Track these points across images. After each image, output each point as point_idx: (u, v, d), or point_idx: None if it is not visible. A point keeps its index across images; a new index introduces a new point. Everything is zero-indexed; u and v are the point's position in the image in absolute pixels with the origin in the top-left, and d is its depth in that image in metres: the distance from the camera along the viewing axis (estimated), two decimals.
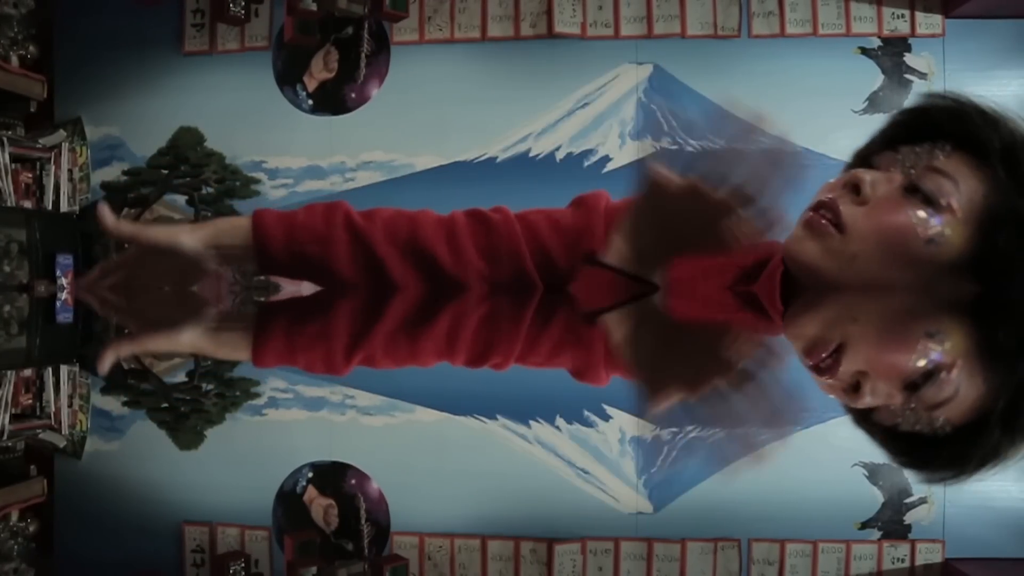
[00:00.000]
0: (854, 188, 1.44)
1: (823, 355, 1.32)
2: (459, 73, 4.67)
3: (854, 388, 1.24)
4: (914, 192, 1.39)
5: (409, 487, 3.74)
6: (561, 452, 3.85)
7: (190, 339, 1.72)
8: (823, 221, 1.44)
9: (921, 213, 1.37)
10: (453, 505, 3.21)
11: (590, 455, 4.40)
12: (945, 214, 1.36)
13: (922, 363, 1.24)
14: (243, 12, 4.78)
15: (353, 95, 4.74)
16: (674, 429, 4.83)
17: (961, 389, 1.21)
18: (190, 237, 1.66)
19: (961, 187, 1.37)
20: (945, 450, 1.20)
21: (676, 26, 4.56)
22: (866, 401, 1.23)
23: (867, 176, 1.43)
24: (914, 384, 1.19)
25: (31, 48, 4.79)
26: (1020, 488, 4.24)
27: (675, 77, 4.54)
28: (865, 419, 1.24)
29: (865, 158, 1.53)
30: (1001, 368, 1.26)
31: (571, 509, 3.57)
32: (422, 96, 4.61)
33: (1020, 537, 4.18)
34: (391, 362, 1.74)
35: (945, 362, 1.24)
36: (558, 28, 4.56)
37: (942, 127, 1.42)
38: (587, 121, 4.46)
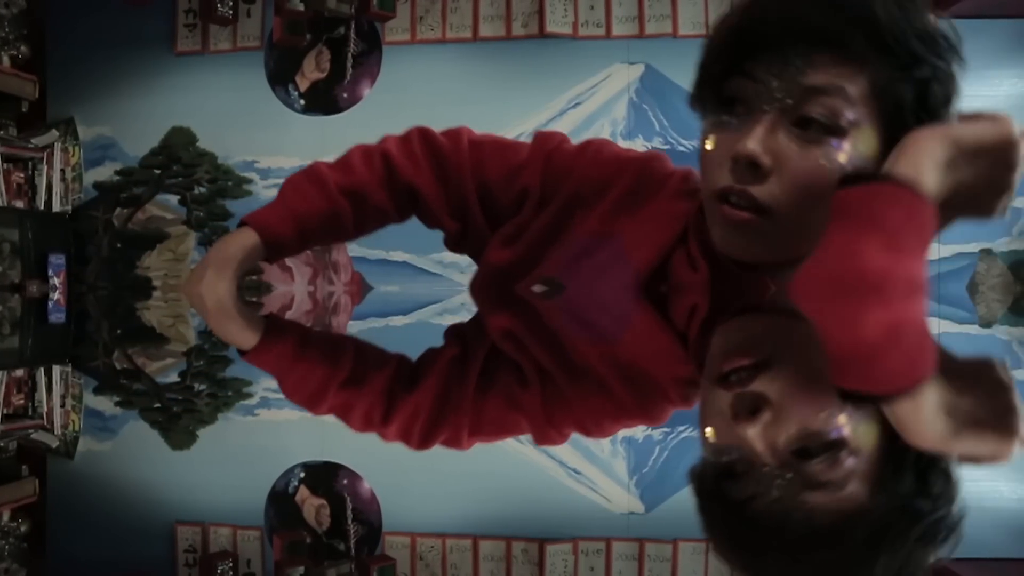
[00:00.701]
0: (748, 163, 1.27)
1: (742, 363, 1.20)
2: (451, 73, 4.68)
3: (750, 412, 1.10)
4: (807, 125, 1.26)
5: (401, 487, 3.73)
6: (552, 452, 3.88)
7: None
8: (743, 214, 1.30)
9: (829, 149, 1.25)
10: (445, 505, 3.20)
11: (581, 455, 4.38)
12: (850, 132, 1.25)
13: (833, 426, 1.11)
14: (231, 12, 4.78)
15: (345, 95, 4.75)
16: (666, 429, 4.82)
17: (848, 483, 1.04)
18: (225, 292, 1.64)
19: (848, 92, 1.24)
20: (787, 548, 1.00)
21: (668, 26, 4.57)
22: (750, 434, 1.04)
23: (754, 145, 1.26)
24: (806, 450, 1.03)
25: (23, 48, 4.79)
26: (1012, 488, 4.23)
27: (667, 77, 4.55)
28: (716, 475, 1.06)
29: (714, 98, 1.34)
30: (889, 484, 1.08)
31: (563, 509, 3.58)
32: (414, 96, 4.61)
33: (1013, 537, 4.18)
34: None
35: (851, 443, 1.09)
36: (550, 28, 4.57)
37: (779, 36, 1.27)
38: (579, 121, 4.47)
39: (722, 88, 1.31)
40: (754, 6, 1.31)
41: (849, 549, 0.99)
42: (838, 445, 1.05)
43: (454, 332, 1.60)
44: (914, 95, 1.25)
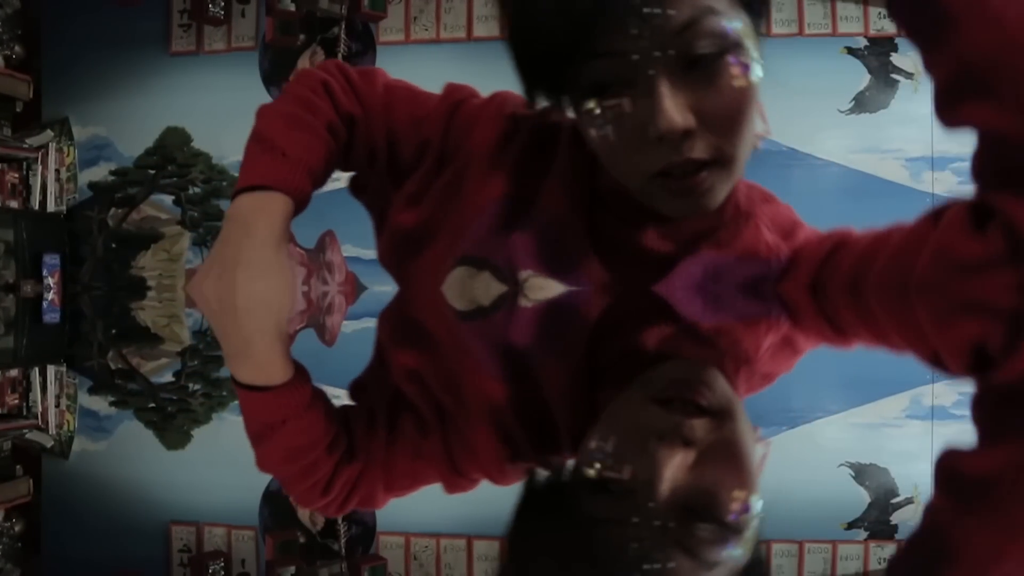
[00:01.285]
0: (678, 135, 1.18)
1: (692, 397, 1.12)
2: (445, 73, 4.65)
3: (681, 442, 0.99)
4: (700, 61, 1.16)
5: None
6: None
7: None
8: (695, 179, 1.21)
9: (732, 67, 1.17)
10: (439, 505, 3.21)
11: None
12: (738, 38, 1.16)
13: (737, 512, 1.00)
14: (222, 13, 4.78)
15: None
16: None
17: (717, 570, 0.93)
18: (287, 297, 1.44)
19: (715, 5, 1.16)
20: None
21: None
22: (667, 462, 0.86)
23: (674, 117, 1.15)
24: (699, 514, 0.92)
25: (17, 48, 4.79)
26: None
27: None
28: (587, 485, 0.94)
29: (578, 91, 1.23)
30: None
31: None
32: None
33: None
34: None
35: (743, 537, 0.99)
36: None
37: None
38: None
39: (580, 78, 1.19)
40: None
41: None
42: (731, 529, 0.97)
43: (356, 387, 1.30)
44: None
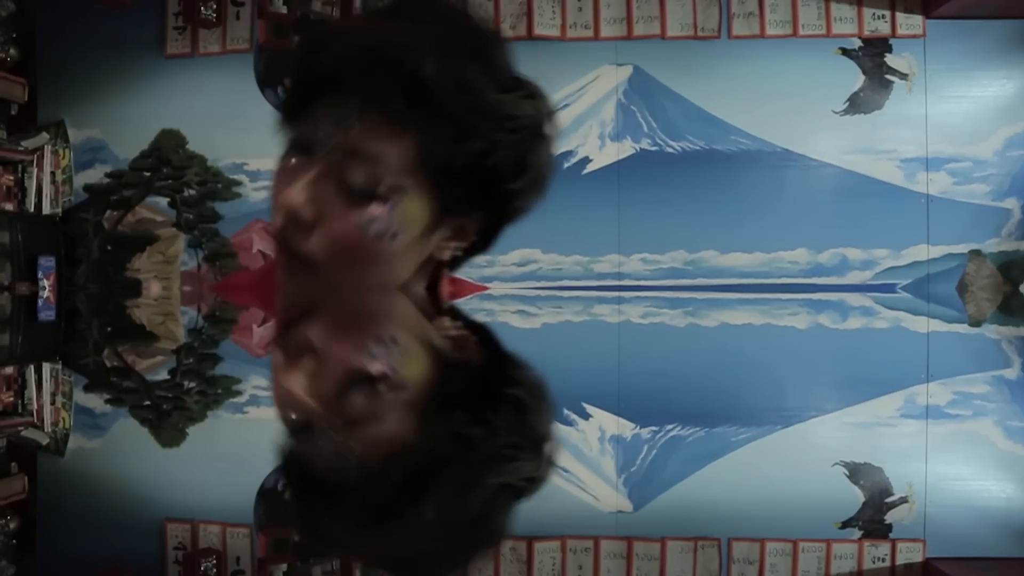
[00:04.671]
0: (293, 214, 1.16)
1: (292, 314, 1.15)
2: None
3: (294, 357, 1.10)
4: (351, 186, 1.13)
5: None
6: None
7: None
8: (288, 261, 1.17)
9: (370, 213, 1.13)
10: None
11: (570, 454, 4.41)
12: (392, 197, 1.12)
13: (372, 364, 1.08)
14: (215, 16, 4.78)
15: None
16: (654, 428, 4.86)
17: (389, 418, 1.06)
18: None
19: (389, 161, 1.12)
20: (337, 501, 1.04)
21: (656, 27, 4.57)
22: (293, 381, 1.07)
23: (297, 198, 1.14)
24: (346, 387, 1.06)
25: (12, 51, 4.78)
26: (1000, 488, 4.26)
27: (655, 78, 4.55)
28: (291, 435, 1.10)
29: (288, 129, 1.25)
30: (435, 417, 1.06)
31: (551, 508, 3.59)
32: None
33: (1000, 536, 4.20)
34: None
35: (391, 380, 1.06)
36: (538, 30, 4.57)
37: (332, 82, 1.14)
38: (567, 122, 4.46)
39: (295, 119, 1.20)
40: (314, 42, 1.20)
41: (393, 486, 0.98)
42: (378, 380, 1.04)
43: None
44: (467, 165, 1.13)
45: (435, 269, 1.26)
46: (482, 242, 1.25)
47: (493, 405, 1.11)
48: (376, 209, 1.12)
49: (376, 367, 1.08)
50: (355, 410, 1.06)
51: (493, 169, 1.13)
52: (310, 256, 1.14)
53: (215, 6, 4.78)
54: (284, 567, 2.69)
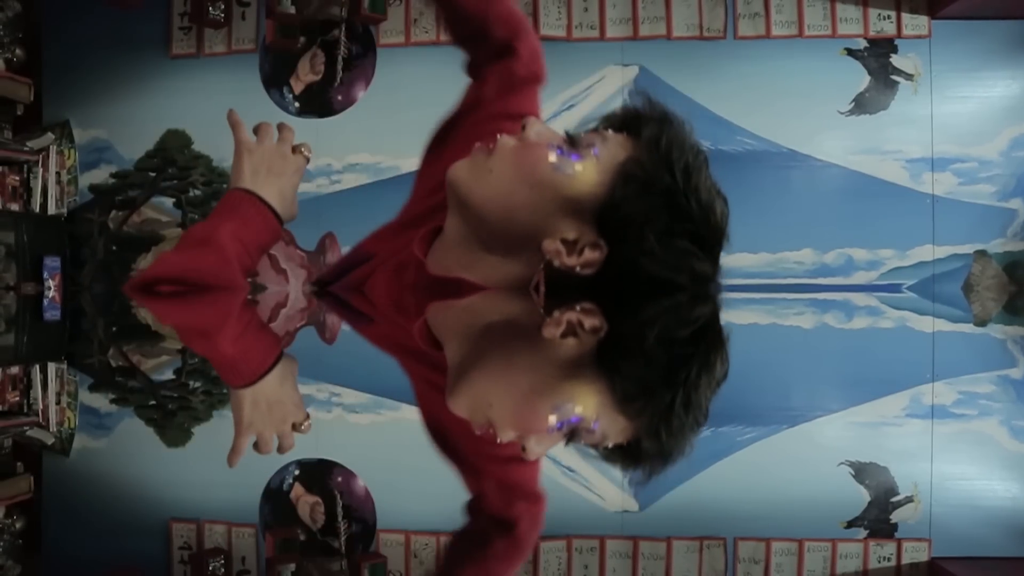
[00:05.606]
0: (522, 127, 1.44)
1: (486, 430, 1.29)
2: (445, 75, 4.66)
3: (523, 448, 1.27)
4: (570, 142, 1.41)
5: (395, 485, 3.75)
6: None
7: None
8: (486, 145, 1.44)
9: (562, 149, 1.39)
10: (439, 503, 3.22)
11: (575, 453, 4.39)
12: (585, 157, 1.37)
13: (563, 432, 1.25)
14: (223, 16, 4.79)
15: (339, 97, 4.75)
16: None
17: (609, 431, 1.25)
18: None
19: (609, 144, 1.38)
20: (634, 453, 1.25)
21: (662, 28, 4.57)
22: (538, 453, 1.27)
23: (535, 121, 1.44)
24: (569, 437, 1.25)
25: (18, 51, 4.79)
26: (1006, 487, 4.26)
27: (661, 79, 4.55)
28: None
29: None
30: (633, 408, 1.25)
31: (556, 507, 3.58)
32: (408, 98, 4.62)
33: (1005, 536, 4.20)
34: None
35: (585, 419, 1.24)
36: (543, 30, 4.57)
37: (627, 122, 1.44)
38: (573, 123, 4.43)
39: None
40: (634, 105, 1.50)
41: (651, 446, 1.25)
42: (579, 429, 1.24)
43: None
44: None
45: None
46: None
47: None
48: (567, 150, 1.40)
49: (566, 429, 1.26)
50: (589, 444, 1.27)
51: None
52: (498, 143, 1.42)
53: (223, 6, 4.79)
54: (292, 567, 2.69)
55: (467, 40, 1.82)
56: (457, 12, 1.77)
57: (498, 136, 1.43)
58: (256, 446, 1.34)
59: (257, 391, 1.42)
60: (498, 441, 1.23)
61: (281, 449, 1.36)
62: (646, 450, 1.24)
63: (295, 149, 1.69)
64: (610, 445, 1.25)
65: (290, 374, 1.54)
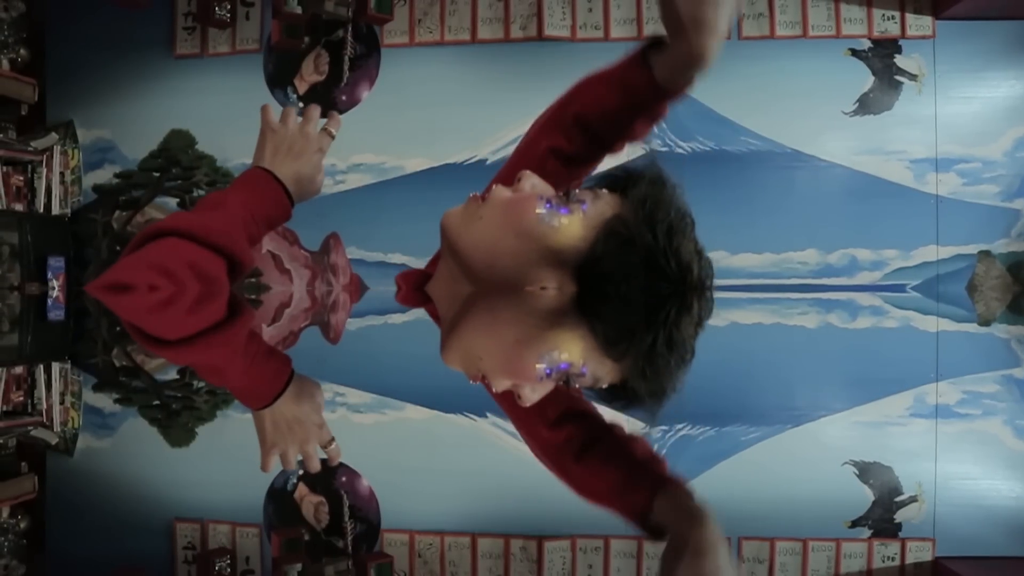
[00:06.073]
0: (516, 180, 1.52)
1: (479, 381, 1.36)
2: (449, 75, 4.69)
3: (518, 396, 1.32)
4: (563, 196, 1.47)
5: (400, 485, 3.75)
6: None
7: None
8: (479, 195, 1.54)
9: (551, 202, 1.44)
10: (443, 503, 3.22)
11: None
12: (574, 211, 1.43)
13: (553, 378, 1.32)
14: (228, 16, 4.79)
15: (344, 97, 4.76)
16: (664, 427, 4.86)
17: (599, 374, 1.33)
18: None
19: (599, 202, 1.45)
20: (629, 394, 1.34)
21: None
22: (533, 399, 1.31)
23: (530, 175, 1.52)
24: (565, 383, 1.32)
25: (22, 51, 4.79)
26: (1010, 487, 4.25)
27: None
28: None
29: None
30: (617, 350, 1.34)
31: (561, 506, 3.59)
32: (412, 98, 4.62)
33: (1009, 535, 4.20)
34: None
35: (573, 365, 1.32)
36: (548, 31, 4.57)
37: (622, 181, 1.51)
38: None
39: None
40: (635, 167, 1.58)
41: (640, 384, 1.32)
42: (570, 375, 1.33)
43: None
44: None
45: None
46: None
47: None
48: (556, 204, 1.46)
49: (558, 376, 1.35)
50: (582, 388, 1.36)
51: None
52: (491, 193, 1.52)
53: (229, 6, 4.79)
54: (298, 567, 2.69)
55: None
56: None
57: (493, 187, 1.52)
58: (281, 462, 1.37)
59: (275, 411, 1.44)
60: (494, 391, 1.31)
61: (306, 468, 1.38)
62: (637, 390, 1.31)
63: (323, 128, 1.72)
64: (604, 387, 1.33)
65: (308, 396, 1.58)
